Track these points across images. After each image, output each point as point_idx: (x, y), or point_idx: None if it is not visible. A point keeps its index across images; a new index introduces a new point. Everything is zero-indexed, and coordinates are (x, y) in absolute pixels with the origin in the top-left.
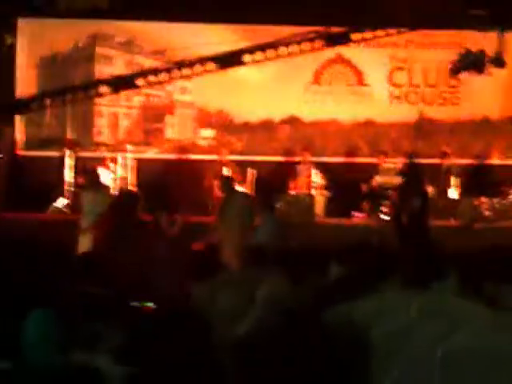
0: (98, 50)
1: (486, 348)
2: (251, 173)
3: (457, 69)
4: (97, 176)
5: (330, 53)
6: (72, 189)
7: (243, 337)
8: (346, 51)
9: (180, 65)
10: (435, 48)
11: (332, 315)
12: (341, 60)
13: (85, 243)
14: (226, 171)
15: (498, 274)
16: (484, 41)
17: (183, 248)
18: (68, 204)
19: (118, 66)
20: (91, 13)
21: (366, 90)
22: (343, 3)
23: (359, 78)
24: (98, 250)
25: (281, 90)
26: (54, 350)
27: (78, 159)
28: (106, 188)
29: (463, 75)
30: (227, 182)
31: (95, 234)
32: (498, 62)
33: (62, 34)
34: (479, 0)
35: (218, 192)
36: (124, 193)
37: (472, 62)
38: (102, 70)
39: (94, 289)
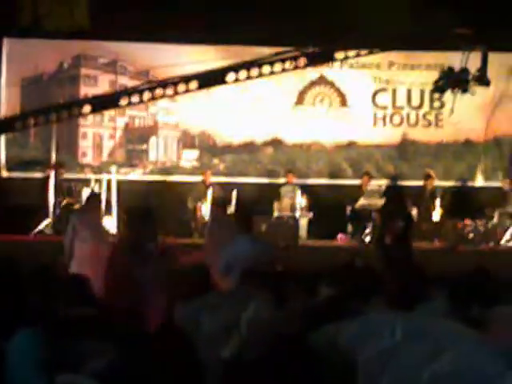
0: (83, 70)
1: (472, 370)
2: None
3: (440, 87)
4: (99, 199)
5: (314, 74)
6: (57, 211)
7: (228, 359)
8: (329, 73)
9: (163, 84)
10: (419, 69)
11: (317, 338)
12: (324, 81)
13: (75, 264)
14: (210, 193)
15: (483, 295)
16: (468, 61)
17: (166, 269)
18: (52, 226)
19: (102, 87)
20: (76, 34)
21: (349, 111)
22: (325, 24)
23: (342, 100)
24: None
25: (263, 111)
26: (40, 370)
27: (62, 181)
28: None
29: (447, 96)
30: (223, 205)
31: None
32: (482, 80)
33: (47, 55)
34: (464, 19)
35: (201, 214)
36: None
37: (455, 80)
38: (87, 91)
39: (80, 309)
